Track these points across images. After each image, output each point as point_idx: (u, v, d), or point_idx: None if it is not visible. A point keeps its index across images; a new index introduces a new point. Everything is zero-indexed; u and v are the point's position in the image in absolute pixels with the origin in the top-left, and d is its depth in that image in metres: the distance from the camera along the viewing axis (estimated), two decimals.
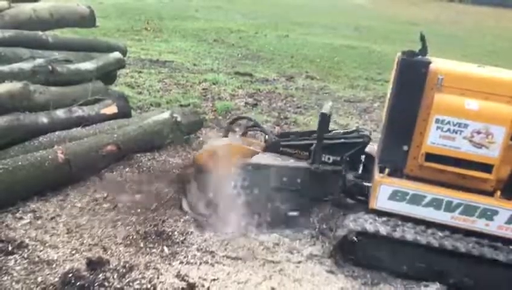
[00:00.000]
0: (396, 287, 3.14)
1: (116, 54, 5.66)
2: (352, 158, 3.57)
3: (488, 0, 33.72)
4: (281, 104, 7.16)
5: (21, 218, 3.36)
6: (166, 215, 3.61)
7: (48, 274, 2.84)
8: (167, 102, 6.58)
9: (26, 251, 3.02)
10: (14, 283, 2.73)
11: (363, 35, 15.36)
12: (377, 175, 3.23)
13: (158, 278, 2.93)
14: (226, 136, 4.14)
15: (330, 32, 15.28)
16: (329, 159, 3.56)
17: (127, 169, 4.26)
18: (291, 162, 3.63)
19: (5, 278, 2.76)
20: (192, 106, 6.40)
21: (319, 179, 3.51)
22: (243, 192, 3.53)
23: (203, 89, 7.51)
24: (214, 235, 3.46)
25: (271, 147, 3.75)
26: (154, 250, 3.21)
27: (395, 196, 3.16)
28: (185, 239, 3.38)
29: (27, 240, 3.11)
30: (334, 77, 9.34)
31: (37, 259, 2.95)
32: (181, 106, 6.39)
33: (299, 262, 3.25)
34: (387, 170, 3.23)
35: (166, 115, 4.94)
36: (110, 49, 5.81)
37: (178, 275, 2.97)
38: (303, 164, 3.58)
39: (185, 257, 3.16)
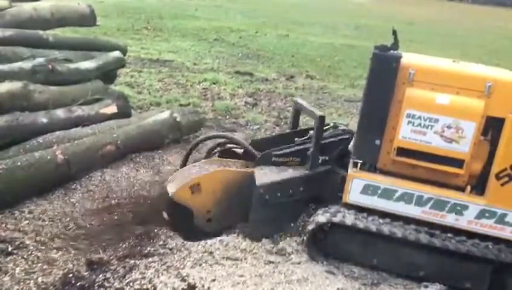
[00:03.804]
0: (396, 288, 3.13)
1: (116, 53, 5.65)
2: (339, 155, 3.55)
3: (488, 0, 33.69)
4: (281, 104, 7.15)
5: (20, 218, 3.36)
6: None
7: (48, 275, 2.83)
8: (167, 101, 6.58)
9: (26, 251, 3.01)
10: (14, 284, 2.73)
11: (363, 34, 15.35)
12: (350, 169, 3.24)
13: (158, 278, 2.93)
14: (185, 163, 3.66)
15: (330, 31, 15.28)
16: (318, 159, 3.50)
17: (126, 169, 4.26)
18: (291, 172, 3.44)
19: (5, 278, 2.76)
20: (192, 106, 6.40)
21: (318, 183, 3.46)
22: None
23: (203, 88, 7.51)
24: (214, 236, 3.46)
25: (263, 160, 3.50)
26: (154, 250, 3.20)
27: (367, 190, 3.17)
28: (184, 240, 3.37)
29: (27, 241, 3.10)
30: (334, 77, 9.34)
31: (36, 260, 2.95)
32: (181, 105, 6.38)
33: (299, 263, 3.24)
34: (359, 164, 3.23)
35: (166, 114, 4.94)
36: (110, 48, 5.80)
37: (178, 276, 2.96)
38: (302, 171, 3.45)
39: (184, 258, 3.15)
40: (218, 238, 3.38)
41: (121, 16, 13.59)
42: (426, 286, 3.12)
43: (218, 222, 3.45)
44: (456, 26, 20.05)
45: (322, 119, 3.38)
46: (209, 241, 3.33)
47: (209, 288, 2.89)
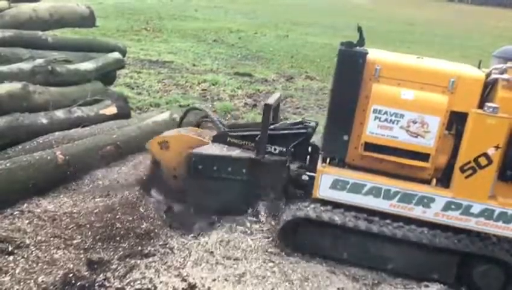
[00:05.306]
0: (396, 288, 3.14)
1: (116, 55, 5.66)
2: (298, 149, 3.57)
3: (488, 0, 33.75)
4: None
5: (21, 218, 3.35)
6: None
7: (48, 274, 2.83)
8: (166, 102, 6.58)
9: (26, 251, 3.01)
10: (14, 283, 2.72)
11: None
12: (319, 165, 3.28)
13: (159, 277, 2.93)
14: (179, 126, 4.10)
15: (330, 32, 15.28)
16: (275, 149, 3.55)
17: (126, 169, 4.26)
18: (236, 153, 3.58)
19: (6, 278, 2.76)
20: None
21: (263, 169, 3.50)
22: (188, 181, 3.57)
23: (203, 89, 7.52)
24: (213, 235, 3.46)
25: (218, 138, 3.69)
26: (155, 250, 3.20)
27: (336, 185, 3.21)
28: (185, 239, 3.38)
29: (27, 241, 3.10)
30: None
31: (37, 259, 2.95)
32: (180, 106, 6.38)
33: (300, 262, 3.25)
34: (328, 160, 3.27)
35: (165, 115, 4.94)
36: (109, 49, 5.81)
37: (178, 275, 2.96)
38: (248, 154, 3.55)
39: (185, 258, 3.15)
40: (219, 238, 3.38)
41: (120, 17, 13.60)
42: (427, 286, 3.13)
43: (182, 181, 3.63)
44: (456, 27, 20.08)
45: (266, 107, 3.42)
46: (209, 241, 3.33)
47: (209, 288, 2.90)
